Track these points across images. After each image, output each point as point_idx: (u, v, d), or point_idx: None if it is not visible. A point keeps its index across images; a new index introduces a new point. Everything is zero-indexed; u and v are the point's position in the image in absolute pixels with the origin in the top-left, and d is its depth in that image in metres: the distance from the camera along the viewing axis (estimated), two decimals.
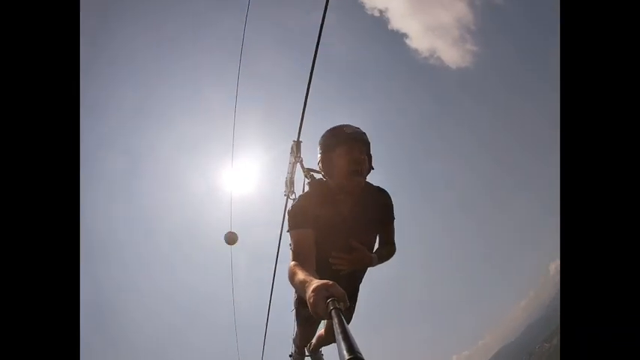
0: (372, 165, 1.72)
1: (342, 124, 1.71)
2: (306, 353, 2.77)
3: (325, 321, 2.07)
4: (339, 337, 0.70)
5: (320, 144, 1.71)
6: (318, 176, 1.90)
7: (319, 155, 1.72)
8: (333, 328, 0.78)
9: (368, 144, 1.69)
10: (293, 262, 1.42)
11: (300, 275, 1.25)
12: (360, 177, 1.63)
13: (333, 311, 0.88)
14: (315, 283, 1.04)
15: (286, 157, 2.46)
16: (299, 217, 1.61)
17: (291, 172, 2.46)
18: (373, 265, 1.80)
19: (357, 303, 2.10)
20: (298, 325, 2.33)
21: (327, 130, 1.72)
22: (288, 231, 1.64)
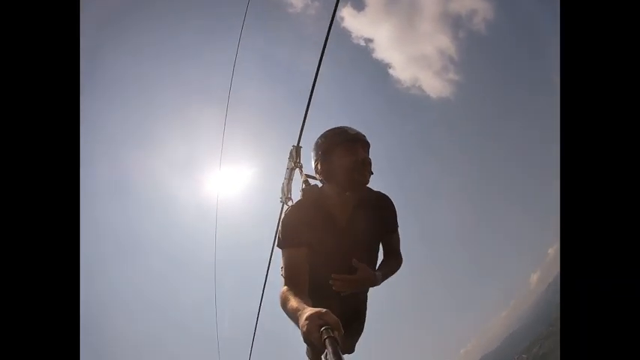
0: (372, 170, 1.56)
1: (341, 126, 1.56)
2: None
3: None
4: None
5: (318, 145, 1.56)
6: (314, 183, 1.75)
7: (317, 156, 1.55)
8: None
9: (369, 147, 1.55)
10: (285, 288, 1.35)
11: (293, 302, 1.19)
12: (365, 178, 1.48)
13: (327, 340, 0.86)
14: (308, 311, 1.00)
15: (281, 165, 2.27)
16: (291, 232, 1.48)
17: (289, 178, 2.26)
18: (377, 285, 1.58)
19: (364, 325, 1.93)
20: None
21: (327, 131, 1.56)
22: (279, 247, 1.52)
